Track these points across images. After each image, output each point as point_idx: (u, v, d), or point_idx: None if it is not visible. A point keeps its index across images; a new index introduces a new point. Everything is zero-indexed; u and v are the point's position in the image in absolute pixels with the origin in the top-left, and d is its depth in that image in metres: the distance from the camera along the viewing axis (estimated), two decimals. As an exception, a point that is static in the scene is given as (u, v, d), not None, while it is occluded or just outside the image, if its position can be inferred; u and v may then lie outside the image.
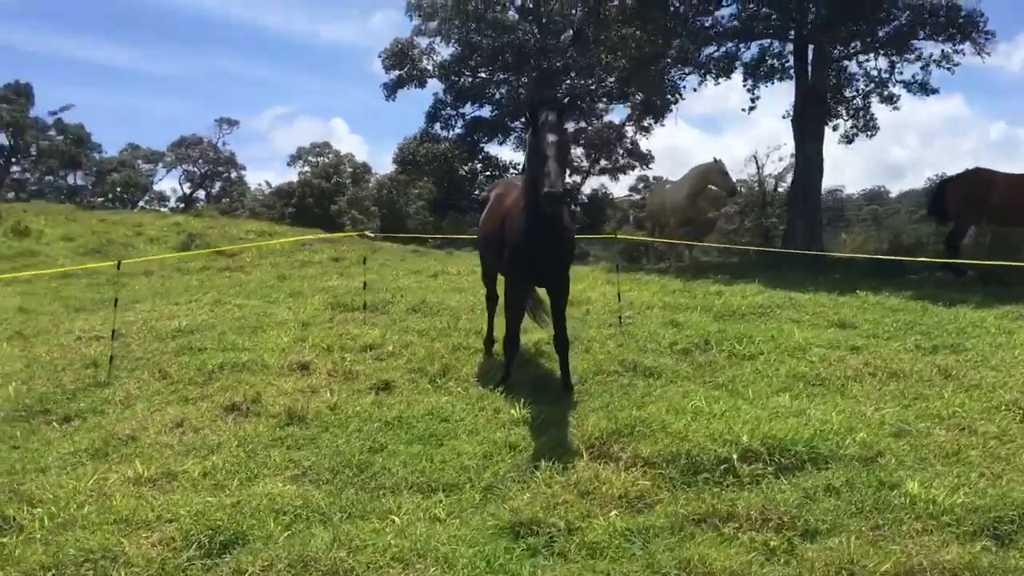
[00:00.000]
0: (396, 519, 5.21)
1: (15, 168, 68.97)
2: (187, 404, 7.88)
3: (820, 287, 13.89)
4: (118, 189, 72.59)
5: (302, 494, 5.52)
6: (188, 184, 76.82)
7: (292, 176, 72.83)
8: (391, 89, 37.99)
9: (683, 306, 11.96)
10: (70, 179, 72.30)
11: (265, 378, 8.72)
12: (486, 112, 39.27)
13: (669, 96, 33.14)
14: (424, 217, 54.09)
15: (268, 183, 74.65)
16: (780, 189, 47.61)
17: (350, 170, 69.71)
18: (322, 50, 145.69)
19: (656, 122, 38.14)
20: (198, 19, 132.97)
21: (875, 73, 20.67)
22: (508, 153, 40.65)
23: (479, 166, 39.15)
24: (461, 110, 39.09)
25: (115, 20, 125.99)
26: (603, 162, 38.19)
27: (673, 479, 5.89)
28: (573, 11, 33.41)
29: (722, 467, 5.97)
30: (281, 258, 22.09)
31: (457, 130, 39.36)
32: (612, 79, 34.02)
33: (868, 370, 8.46)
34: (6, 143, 67.40)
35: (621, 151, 37.53)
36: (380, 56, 37.57)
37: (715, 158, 18.55)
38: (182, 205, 76.81)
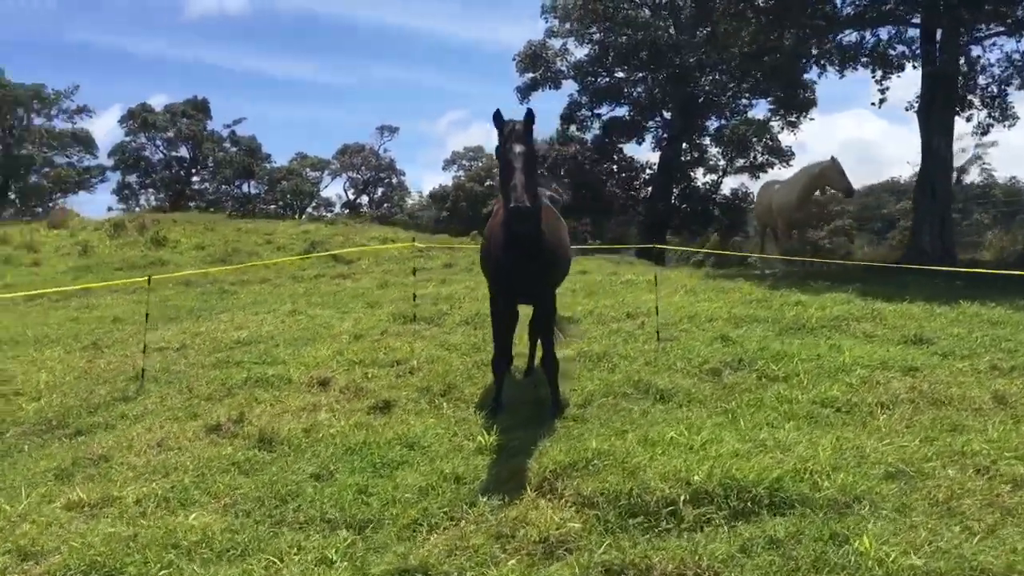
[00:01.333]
0: (282, 560, 4.98)
1: (195, 179, 73.55)
2: (185, 422, 7.93)
3: (919, 296, 12.68)
4: (288, 196, 76.11)
5: (205, 527, 5.36)
6: (352, 190, 79.72)
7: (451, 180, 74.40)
8: (524, 92, 37.82)
9: (749, 318, 11.17)
10: (244, 188, 76.38)
11: (278, 395, 8.72)
12: (624, 112, 38.56)
13: (804, 89, 31.63)
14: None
15: (441, 186, 76.58)
16: (964, 181, 44.54)
17: (503, 173, 70.28)
18: (497, 53, 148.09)
19: (802, 116, 36.34)
20: (375, 32, 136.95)
21: (1017, 56, 18.78)
22: (646, 153, 39.76)
23: (615, 167, 38.43)
24: (597, 111, 38.53)
25: (293, 37, 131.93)
26: (740, 160, 36.64)
27: (608, 521, 5.38)
28: (689, 6, 32.31)
29: (667, 509, 5.42)
30: (395, 264, 22.29)
31: (594, 131, 38.84)
32: (740, 72, 32.77)
33: (909, 396, 7.59)
34: (187, 156, 71.98)
35: (760, 148, 35.89)
36: (514, 59, 37.52)
37: (832, 157, 17.33)
38: (347, 211, 79.89)
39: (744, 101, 37.26)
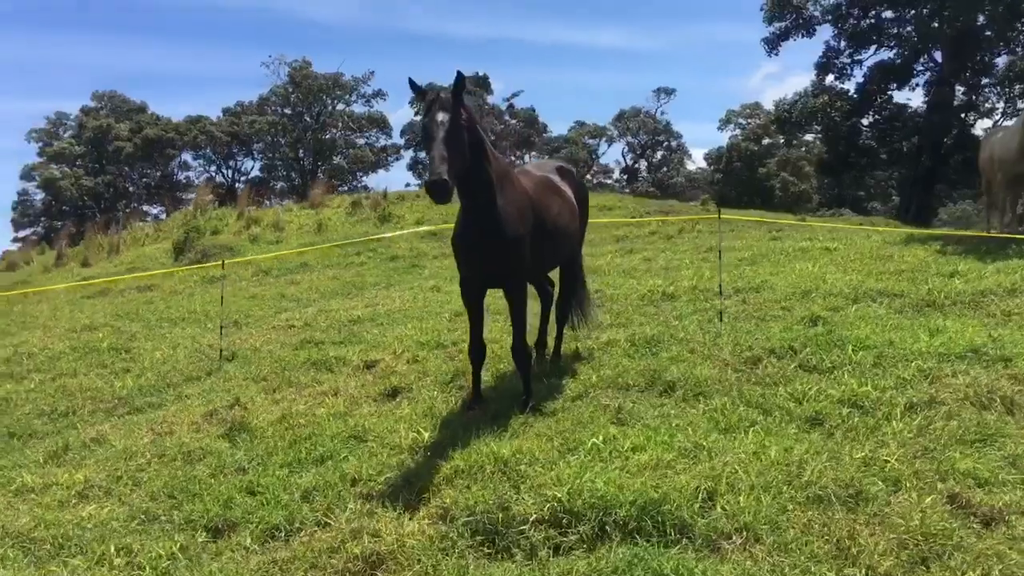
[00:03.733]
0: (99, 563, 4.98)
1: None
2: (207, 404, 8.22)
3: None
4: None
5: (70, 522, 5.50)
6: (630, 156, 79.48)
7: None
8: (772, 43, 35.27)
9: (875, 293, 9.70)
10: (526, 158, 78.70)
11: (317, 377, 8.82)
12: (889, 55, 34.92)
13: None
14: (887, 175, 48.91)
15: (717, 148, 74.64)
16: None
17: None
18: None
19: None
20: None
21: None
22: (918, 99, 35.53)
23: (876, 118, 34.88)
24: (857, 56, 35.21)
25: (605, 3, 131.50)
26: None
27: (450, 539, 4.86)
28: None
29: (517, 529, 4.81)
30: (606, 233, 21.71)
31: (855, 79, 35.55)
32: None
33: (959, 394, 6.21)
34: (470, 130, 75.27)
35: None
36: (761, 9, 35.12)
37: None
38: (626, 177, 79.87)
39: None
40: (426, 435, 6.39)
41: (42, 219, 72.06)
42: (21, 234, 70.91)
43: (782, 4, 34.47)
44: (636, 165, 79.31)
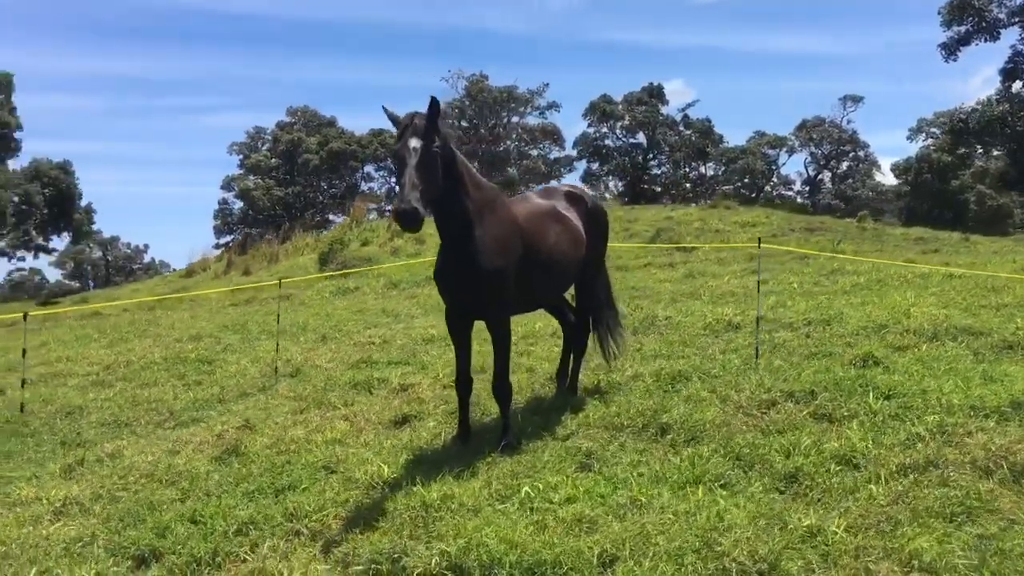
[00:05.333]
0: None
1: (652, 163, 75.76)
2: (224, 424, 8.38)
3: None
4: (746, 178, 75.15)
5: (14, 540, 5.72)
6: (813, 167, 76.17)
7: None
8: (950, 49, 32.82)
9: (960, 330, 8.79)
10: (701, 170, 76.99)
11: (349, 400, 8.84)
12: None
13: None
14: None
15: (905, 159, 70.50)
16: None
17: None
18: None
19: None
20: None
21: None
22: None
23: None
24: (1049, 60, 32.18)
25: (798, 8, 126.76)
26: None
27: (336, 588, 4.69)
28: None
29: (403, 582, 4.59)
30: (740, 252, 20.83)
31: (1048, 84, 32.51)
32: None
33: (963, 458, 5.46)
34: (643, 142, 74.42)
35: None
36: (939, 13, 32.73)
37: None
38: (807, 188, 76.60)
39: None
40: (387, 470, 6.22)
41: (239, 227, 77.03)
42: (222, 240, 76.24)
43: (962, 7, 32.00)
44: (819, 176, 75.89)
